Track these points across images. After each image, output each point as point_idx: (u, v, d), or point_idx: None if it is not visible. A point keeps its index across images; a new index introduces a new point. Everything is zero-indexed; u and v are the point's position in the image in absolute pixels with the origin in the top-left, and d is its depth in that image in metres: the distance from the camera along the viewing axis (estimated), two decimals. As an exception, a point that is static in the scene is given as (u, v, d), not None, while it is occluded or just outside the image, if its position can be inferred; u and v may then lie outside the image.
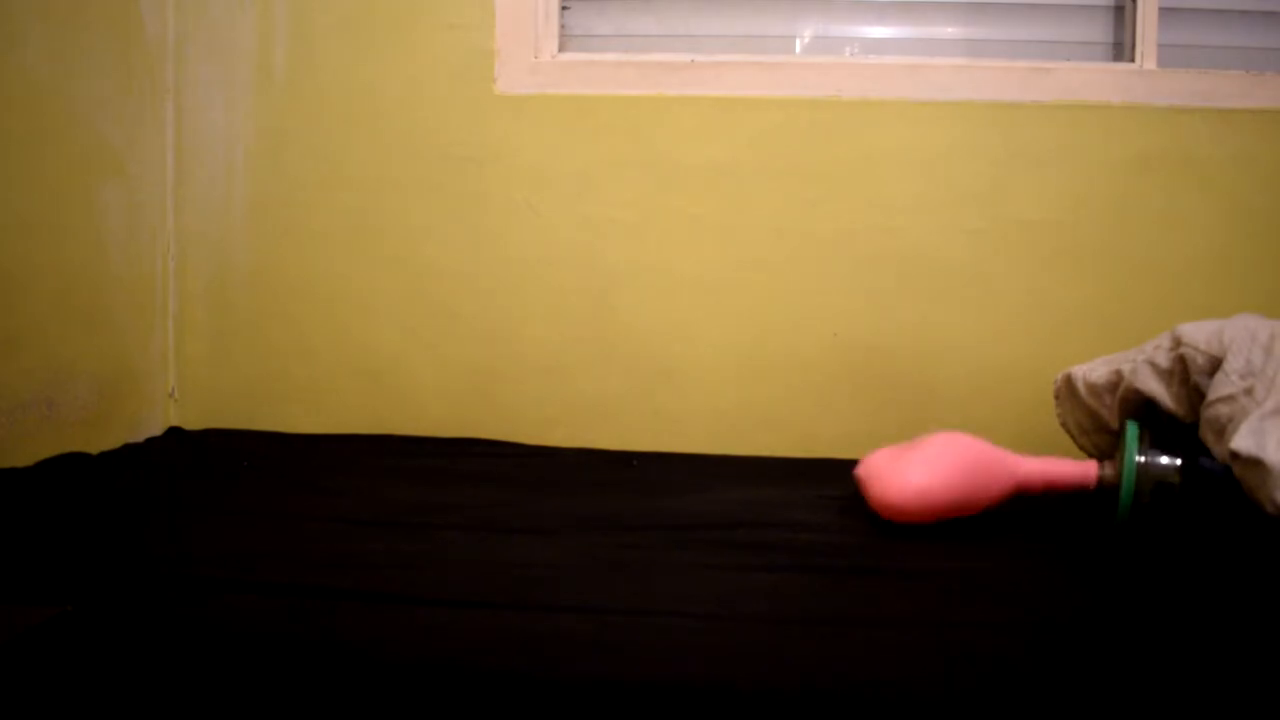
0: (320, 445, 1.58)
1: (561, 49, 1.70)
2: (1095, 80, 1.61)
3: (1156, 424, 1.15)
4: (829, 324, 1.65)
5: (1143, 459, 1.12)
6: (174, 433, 1.65)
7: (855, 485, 1.22)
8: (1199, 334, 1.12)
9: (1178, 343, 1.14)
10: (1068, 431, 1.30)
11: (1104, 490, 1.15)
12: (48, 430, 1.42)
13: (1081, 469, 1.18)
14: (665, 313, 1.68)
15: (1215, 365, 1.08)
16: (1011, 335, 1.62)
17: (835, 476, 1.27)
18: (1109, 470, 1.16)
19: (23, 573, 0.92)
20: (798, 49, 1.72)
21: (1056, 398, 1.31)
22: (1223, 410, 1.04)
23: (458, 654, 0.78)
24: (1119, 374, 1.20)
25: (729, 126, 1.64)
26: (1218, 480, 1.06)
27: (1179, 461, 1.11)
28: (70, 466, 1.34)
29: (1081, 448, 1.29)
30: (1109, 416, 1.22)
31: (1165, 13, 1.62)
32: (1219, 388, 1.05)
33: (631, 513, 1.20)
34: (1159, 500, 1.11)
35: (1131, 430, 1.13)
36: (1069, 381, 1.28)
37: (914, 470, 1.16)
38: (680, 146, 1.65)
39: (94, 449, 1.44)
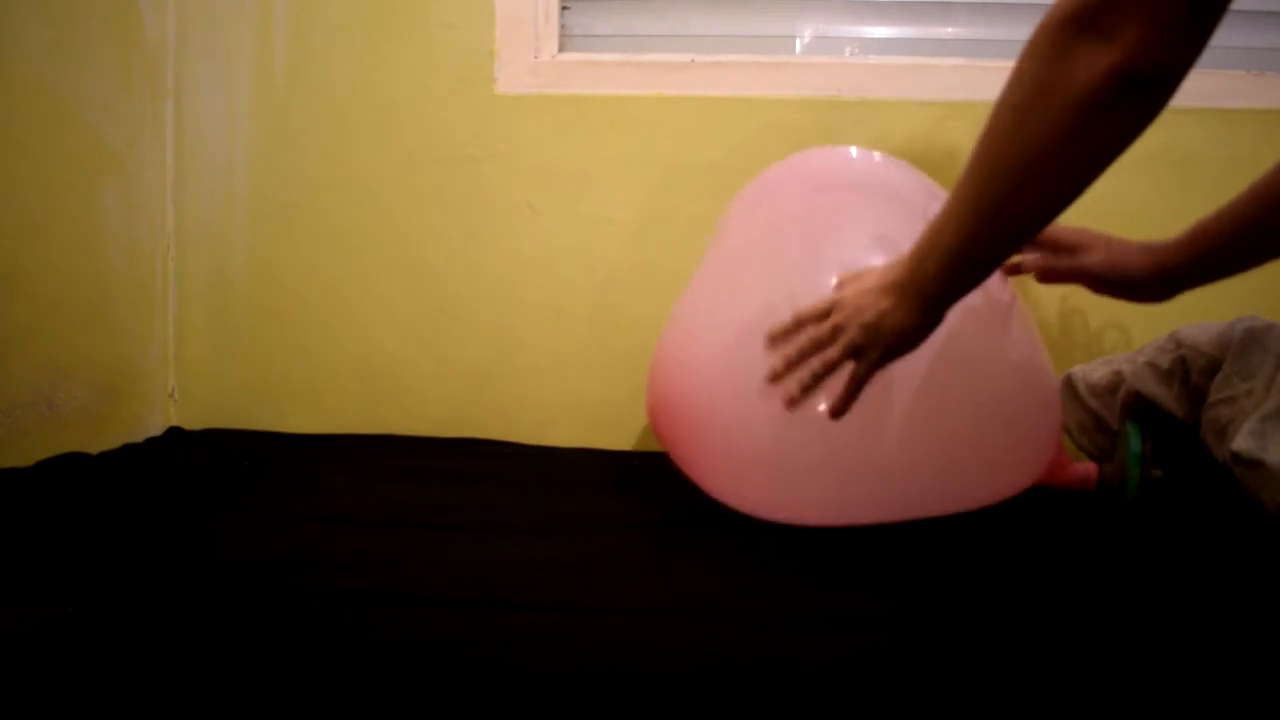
0: (320, 445, 1.58)
1: (561, 49, 1.70)
2: (1095, 80, 1.60)
3: (1157, 425, 1.16)
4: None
5: (1143, 460, 1.12)
6: (174, 433, 1.65)
7: None
8: (1200, 335, 1.13)
9: (1178, 344, 1.14)
10: (1067, 431, 1.30)
11: (1105, 490, 1.15)
12: (47, 430, 1.42)
13: (1082, 469, 1.18)
14: (665, 313, 1.67)
15: (1216, 367, 1.09)
16: (1011, 335, 1.61)
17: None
18: (1109, 471, 1.16)
19: (23, 573, 0.92)
20: (798, 49, 1.72)
21: (1057, 398, 1.31)
22: (1224, 412, 1.04)
23: (457, 654, 0.78)
24: (1119, 375, 1.20)
25: (729, 126, 1.64)
26: (1219, 482, 1.07)
27: (1180, 463, 1.12)
28: (70, 467, 1.34)
29: (1081, 448, 1.29)
30: (1110, 418, 1.22)
31: (1165, 13, 1.62)
32: (1220, 389, 1.06)
33: (630, 512, 1.20)
34: (1159, 501, 1.11)
35: (1132, 431, 1.13)
36: (1069, 382, 1.28)
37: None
38: (680, 146, 1.65)
39: (94, 449, 1.44)
